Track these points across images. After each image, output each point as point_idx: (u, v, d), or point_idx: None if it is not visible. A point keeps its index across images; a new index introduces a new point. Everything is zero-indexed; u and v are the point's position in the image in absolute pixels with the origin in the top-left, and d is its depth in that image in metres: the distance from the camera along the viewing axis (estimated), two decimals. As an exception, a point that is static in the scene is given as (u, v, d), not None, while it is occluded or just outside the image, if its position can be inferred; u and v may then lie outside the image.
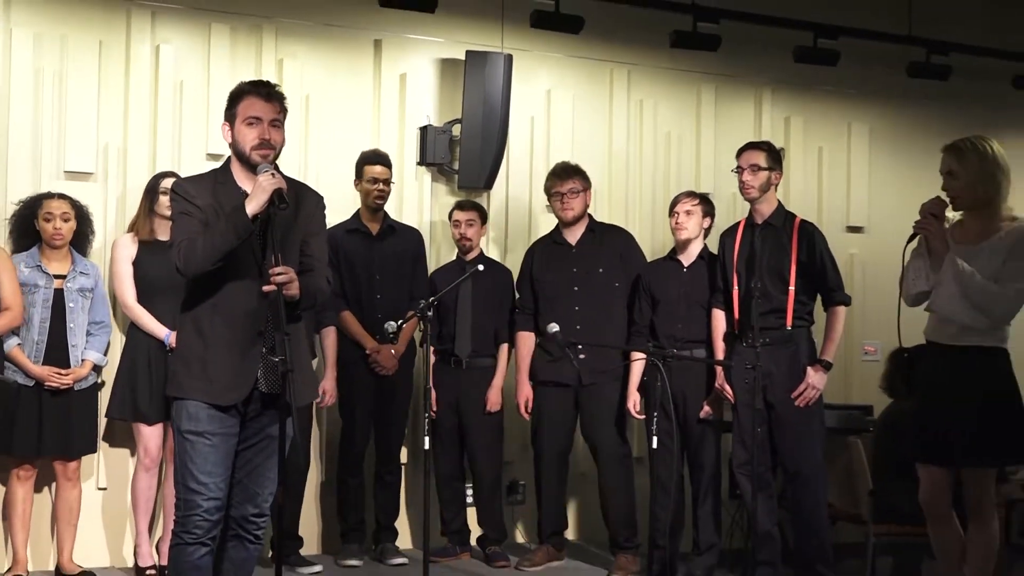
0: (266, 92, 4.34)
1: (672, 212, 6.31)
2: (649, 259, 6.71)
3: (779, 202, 6.07)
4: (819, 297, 6.03)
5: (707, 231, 6.37)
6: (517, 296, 6.78)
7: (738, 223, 6.13)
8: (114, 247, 6.22)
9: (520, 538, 7.25)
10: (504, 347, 6.76)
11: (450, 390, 6.69)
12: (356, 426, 6.61)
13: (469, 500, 6.90)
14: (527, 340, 6.64)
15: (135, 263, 6.11)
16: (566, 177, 6.58)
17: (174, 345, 5.65)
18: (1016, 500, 6.22)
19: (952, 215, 4.98)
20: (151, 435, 6.06)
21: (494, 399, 6.68)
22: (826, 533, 5.94)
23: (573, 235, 6.64)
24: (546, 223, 7.32)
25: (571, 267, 6.57)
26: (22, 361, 5.86)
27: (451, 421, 6.72)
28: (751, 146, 6.08)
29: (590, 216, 6.71)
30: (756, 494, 5.70)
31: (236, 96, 4.37)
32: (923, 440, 4.95)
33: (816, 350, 5.94)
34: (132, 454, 6.28)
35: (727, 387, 5.94)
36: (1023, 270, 4.75)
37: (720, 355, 6.04)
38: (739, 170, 5.98)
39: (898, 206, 7.28)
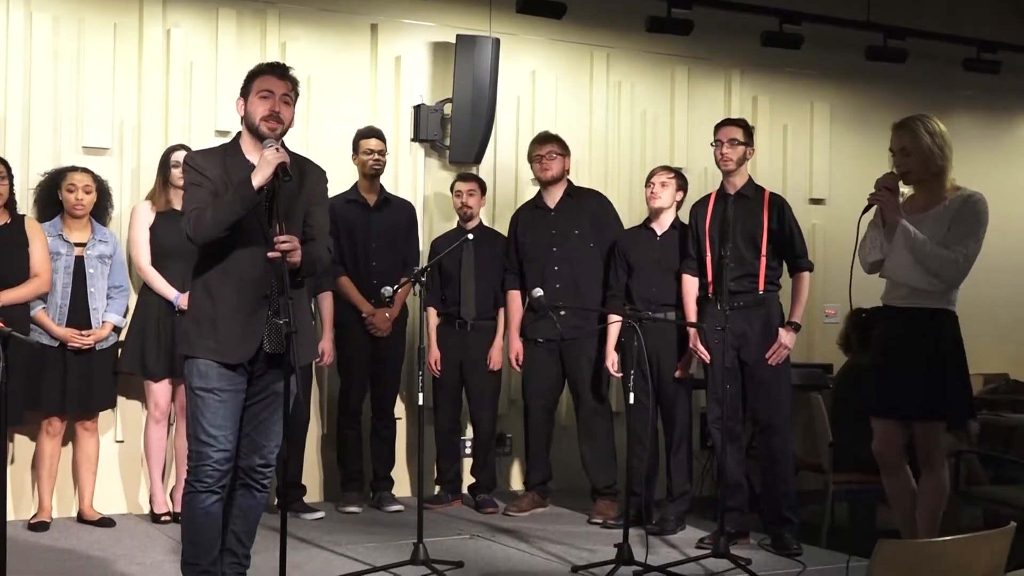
0: (280, 71, 4.34)
1: (648, 183, 6.30)
2: (626, 229, 6.70)
3: (749, 176, 6.05)
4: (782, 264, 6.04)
5: (679, 204, 6.36)
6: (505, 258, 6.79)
7: (709, 195, 6.11)
8: (133, 213, 6.21)
9: (514, 486, 7.28)
10: (503, 310, 6.78)
11: (454, 350, 6.70)
12: (353, 383, 6.63)
13: (467, 451, 6.95)
14: (516, 298, 6.65)
15: (151, 229, 6.11)
16: (545, 142, 6.64)
17: (182, 307, 5.68)
18: (964, 451, 6.25)
19: (905, 190, 4.98)
20: (160, 391, 6.07)
21: (496, 358, 6.71)
22: (792, 480, 5.97)
23: (552, 199, 6.65)
24: (533, 194, 7.30)
25: (550, 229, 6.58)
26: (47, 323, 5.86)
27: (454, 379, 6.73)
28: (729, 122, 6.04)
29: (569, 182, 6.71)
30: (726, 446, 5.72)
31: (253, 74, 4.35)
32: (877, 395, 4.98)
33: (784, 313, 5.96)
34: (146, 409, 6.28)
35: (701, 347, 5.94)
36: (967, 234, 4.78)
37: (692, 318, 6.04)
38: (718, 143, 5.93)
39: (857, 179, 7.28)
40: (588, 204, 6.66)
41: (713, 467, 6.49)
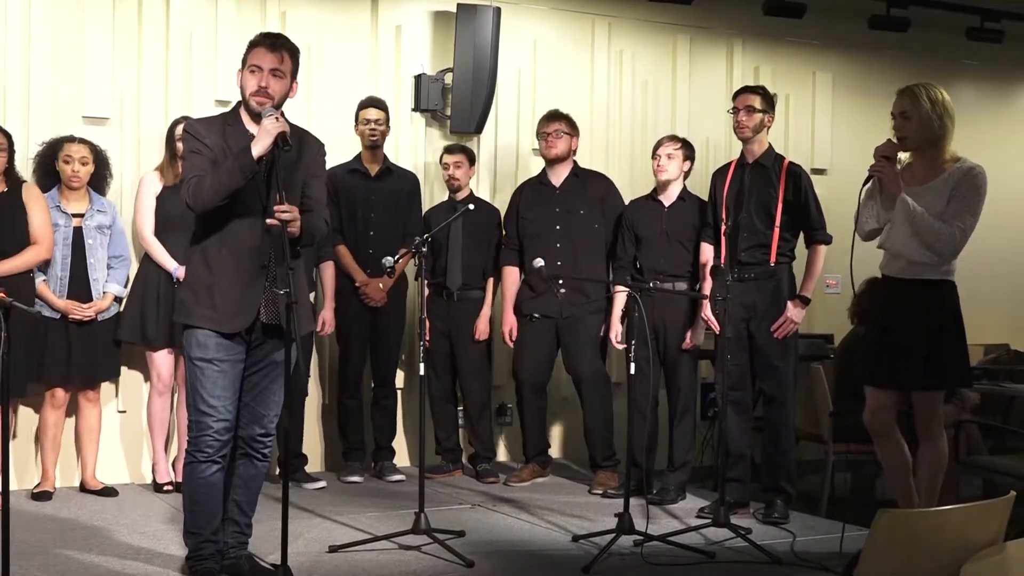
0: (271, 43, 4.27)
1: (655, 155, 6.25)
2: (627, 199, 6.66)
3: (769, 144, 5.95)
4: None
5: (687, 173, 6.32)
6: (503, 232, 6.76)
7: (730, 163, 6.05)
8: (141, 182, 6.19)
9: (515, 456, 7.29)
10: (491, 280, 6.76)
11: (442, 320, 6.69)
12: (351, 352, 6.63)
13: (460, 421, 6.95)
14: (512, 274, 6.63)
15: (158, 199, 6.09)
16: (553, 120, 6.58)
17: (181, 279, 5.66)
18: (963, 421, 6.25)
19: (903, 156, 4.96)
20: (162, 361, 6.08)
21: (482, 328, 6.69)
22: (792, 451, 5.96)
23: (558, 177, 6.61)
24: (534, 165, 7.29)
25: (554, 207, 6.55)
26: (47, 296, 5.85)
27: (443, 348, 6.73)
28: (747, 89, 5.97)
29: (575, 162, 6.67)
30: (729, 416, 5.69)
31: (249, 46, 4.32)
32: (877, 365, 4.97)
33: (796, 286, 5.91)
34: (147, 380, 6.29)
35: (712, 317, 5.89)
36: (965, 209, 4.75)
37: (707, 287, 5.99)
38: (735, 111, 5.87)
39: (859, 149, 7.23)
40: (595, 187, 6.61)
41: (714, 437, 6.49)
